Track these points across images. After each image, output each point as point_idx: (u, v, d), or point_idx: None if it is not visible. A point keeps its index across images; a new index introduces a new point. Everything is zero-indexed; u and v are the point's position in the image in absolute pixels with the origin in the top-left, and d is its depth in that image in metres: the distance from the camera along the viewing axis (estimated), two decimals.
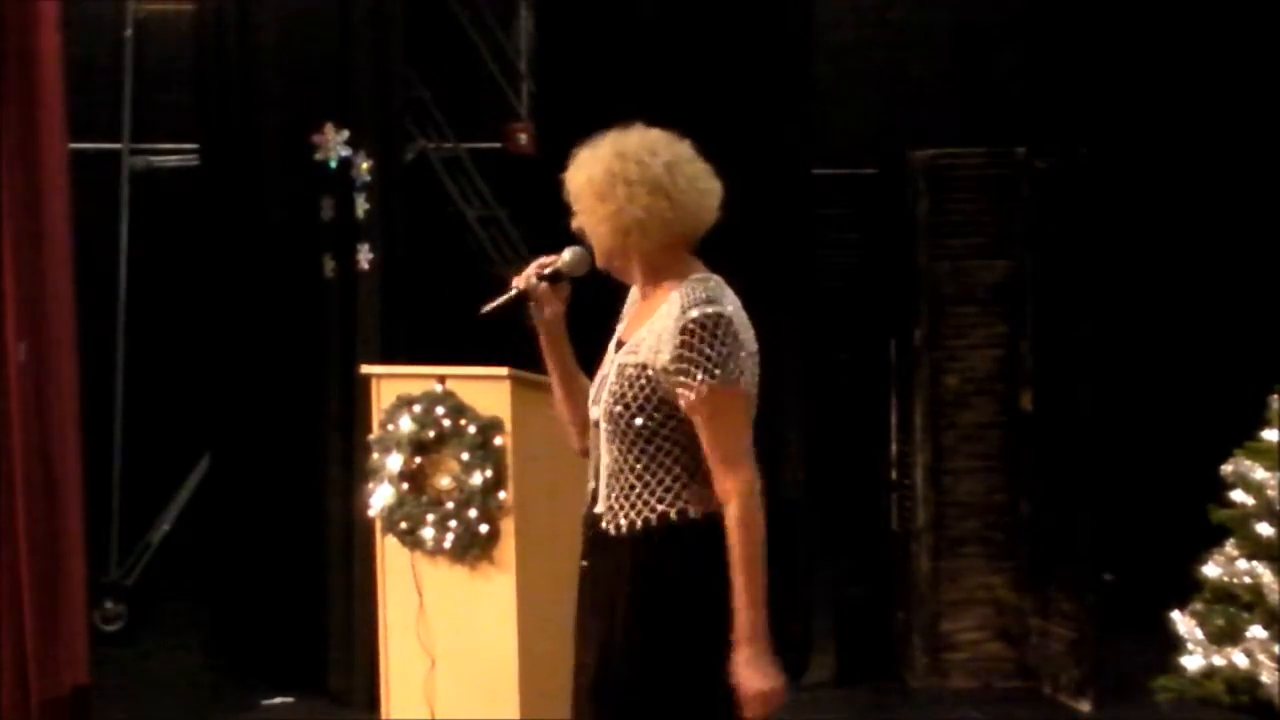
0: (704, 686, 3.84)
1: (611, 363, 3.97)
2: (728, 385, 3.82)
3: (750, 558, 3.79)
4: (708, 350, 3.80)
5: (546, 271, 4.04)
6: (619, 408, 3.88)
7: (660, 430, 3.87)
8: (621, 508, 3.90)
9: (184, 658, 8.65)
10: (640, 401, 3.87)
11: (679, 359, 3.81)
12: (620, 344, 3.99)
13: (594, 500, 3.98)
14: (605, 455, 3.93)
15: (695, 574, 3.85)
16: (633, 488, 3.89)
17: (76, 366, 6.88)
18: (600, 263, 4.00)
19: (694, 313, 3.82)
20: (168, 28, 9.99)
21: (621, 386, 3.89)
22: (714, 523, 3.85)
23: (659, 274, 3.95)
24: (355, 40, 7.78)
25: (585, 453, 4.12)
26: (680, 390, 3.82)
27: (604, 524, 3.93)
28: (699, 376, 3.80)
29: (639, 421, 3.87)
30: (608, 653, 3.88)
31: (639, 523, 3.88)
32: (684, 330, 3.81)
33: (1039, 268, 7.94)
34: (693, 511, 3.86)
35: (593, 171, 3.90)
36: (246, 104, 8.20)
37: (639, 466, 3.89)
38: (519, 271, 4.07)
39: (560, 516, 5.79)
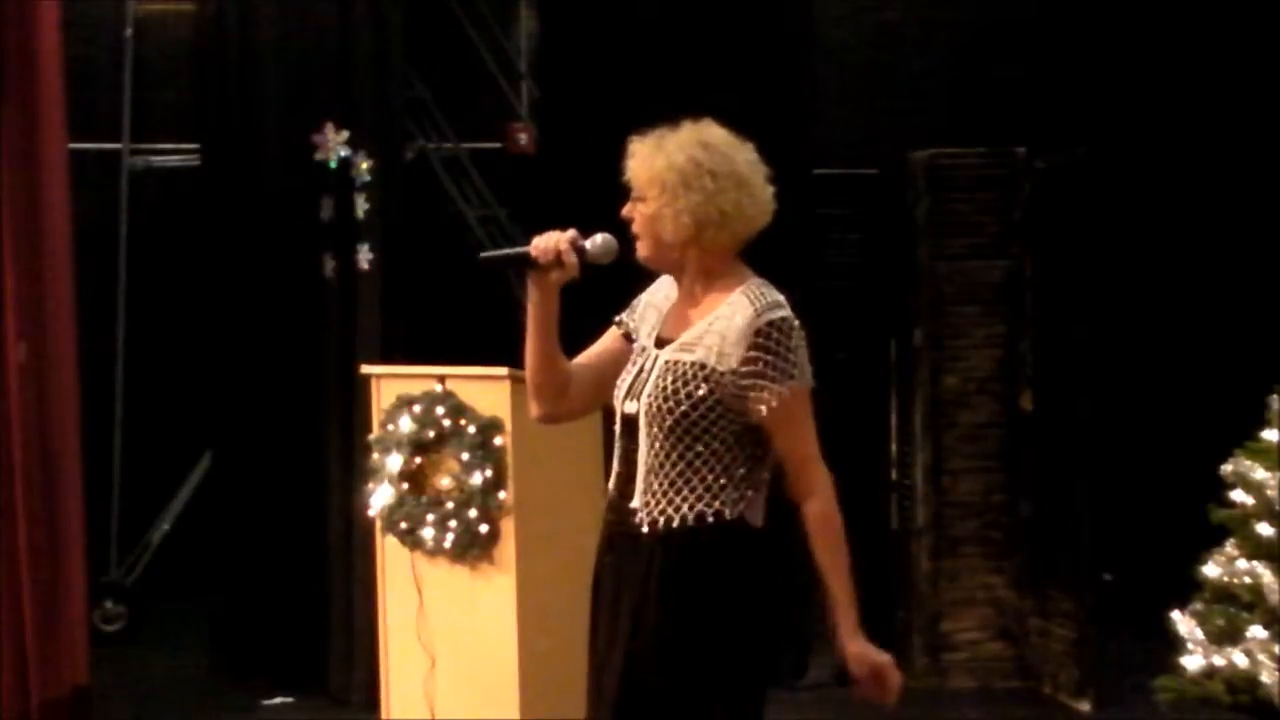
0: (733, 688, 3.85)
1: (655, 358, 3.94)
2: (803, 388, 3.86)
3: (840, 548, 3.92)
4: (787, 355, 3.83)
5: (577, 245, 3.94)
6: (669, 404, 3.86)
7: (710, 430, 3.86)
8: (658, 504, 3.89)
9: (184, 658, 8.64)
10: (694, 400, 3.85)
11: (754, 362, 3.82)
12: (662, 341, 3.96)
13: (624, 495, 3.94)
14: (644, 450, 3.90)
15: (727, 577, 3.85)
16: (672, 484, 3.88)
17: (76, 366, 6.88)
18: (651, 253, 3.94)
19: (769, 316, 3.84)
20: (168, 28, 10.00)
21: (675, 383, 3.87)
22: (745, 526, 3.88)
23: (713, 275, 3.93)
24: (355, 40, 7.78)
25: (545, 420, 4.09)
26: (756, 395, 3.82)
27: (637, 519, 3.90)
28: (780, 381, 3.82)
29: (687, 420, 3.85)
30: (635, 653, 3.86)
31: (675, 520, 3.87)
32: (759, 333, 3.82)
33: (1039, 268, 7.94)
34: (728, 513, 3.87)
35: (675, 159, 3.86)
36: (246, 104, 8.19)
37: (681, 464, 3.87)
38: (539, 234, 3.98)
39: (560, 516, 5.82)
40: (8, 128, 6.65)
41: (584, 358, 4.09)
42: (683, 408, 3.85)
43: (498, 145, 9.63)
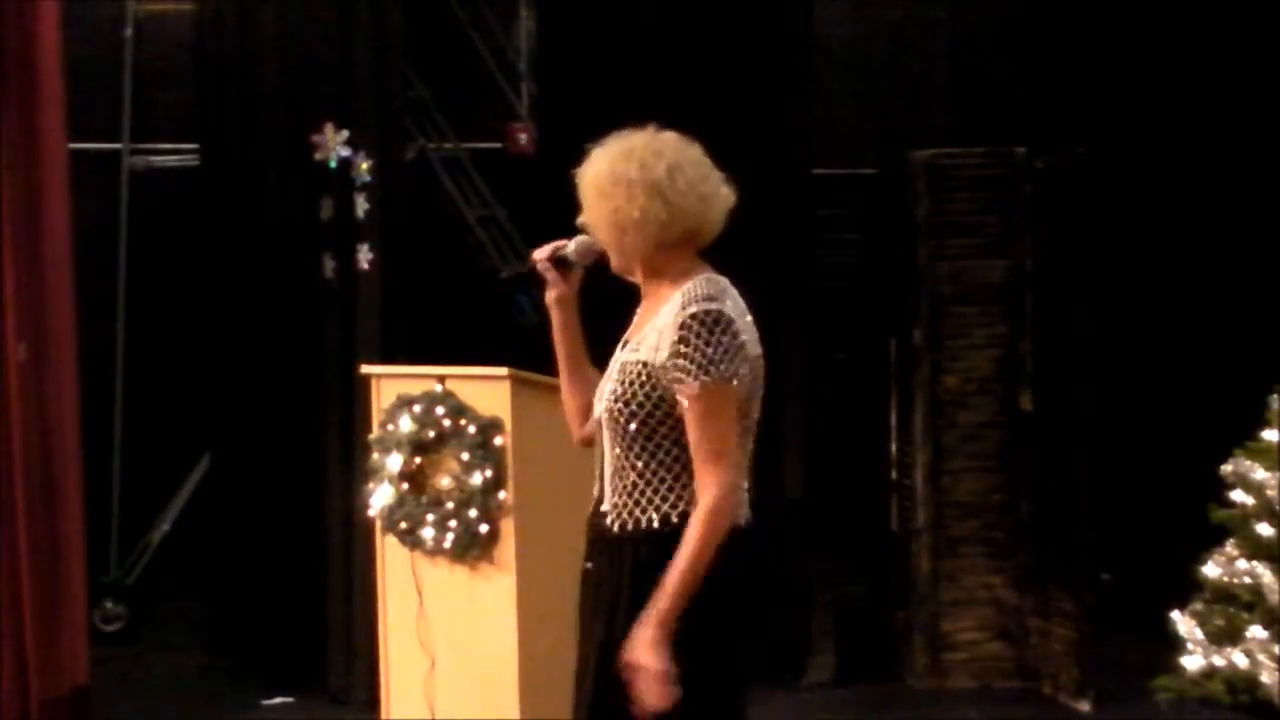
0: (701, 689, 3.82)
1: (616, 362, 3.98)
2: (721, 383, 3.82)
3: (701, 551, 3.77)
4: (705, 347, 3.80)
5: (556, 255, 4.08)
6: (619, 405, 3.89)
7: (660, 428, 3.87)
8: (625, 505, 3.90)
9: (184, 658, 8.64)
10: (640, 399, 3.87)
11: (676, 354, 3.82)
12: (625, 344, 4.01)
13: (599, 499, 3.97)
14: (608, 453, 3.93)
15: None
16: (635, 485, 3.89)
17: (76, 366, 6.88)
18: (610, 261, 4.01)
19: (693, 308, 3.83)
20: (168, 28, 9.98)
21: (623, 385, 3.89)
22: None
23: (660, 275, 3.96)
24: (355, 40, 7.79)
25: (585, 443, 4.13)
26: (675, 385, 3.83)
27: (608, 522, 3.92)
28: (694, 372, 3.80)
29: (639, 419, 3.87)
30: (607, 654, 3.87)
31: (643, 521, 3.87)
32: (682, 325, 3.82)
33: (1039, 268, 7.94)
34: (692, 514, 3.85)
35: (599, 168, 3.92)
36: (246, 104, 8.20)
37: (640, 465, 3.89)
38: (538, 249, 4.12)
39: (560, 516, 5.78)
40: (8, 128, 6.65)
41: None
42: (631, 407, 3.87)
43: (498, 145, 9.62)
